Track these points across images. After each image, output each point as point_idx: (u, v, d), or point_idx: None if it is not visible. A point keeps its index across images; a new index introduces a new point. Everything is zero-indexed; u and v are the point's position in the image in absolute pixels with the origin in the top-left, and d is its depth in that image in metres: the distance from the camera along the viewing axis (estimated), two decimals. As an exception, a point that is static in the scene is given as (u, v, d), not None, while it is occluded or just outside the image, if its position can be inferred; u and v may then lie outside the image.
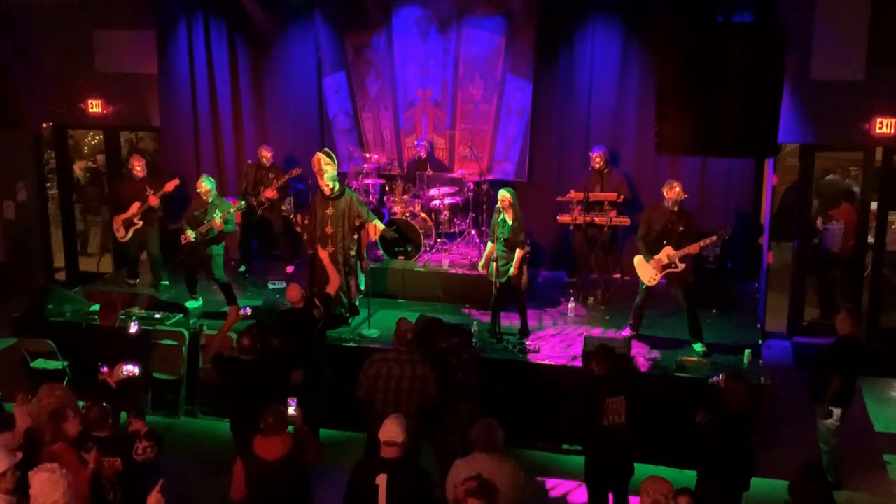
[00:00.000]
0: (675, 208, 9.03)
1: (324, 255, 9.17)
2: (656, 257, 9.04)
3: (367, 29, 12.05)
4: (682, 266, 8.99)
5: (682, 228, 9.00)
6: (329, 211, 9.76)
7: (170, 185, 10.98)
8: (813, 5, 10.37)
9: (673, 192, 9.02)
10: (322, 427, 8.35)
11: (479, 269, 9.83)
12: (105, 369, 7.73)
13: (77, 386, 7.95)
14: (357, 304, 10.18)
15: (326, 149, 10.19)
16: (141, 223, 11.06)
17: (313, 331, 8.22)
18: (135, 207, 11.02)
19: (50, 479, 5.10)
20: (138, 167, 11.13)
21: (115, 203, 11.48)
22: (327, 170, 9.66)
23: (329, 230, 9.75)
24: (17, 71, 10.75)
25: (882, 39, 10.22)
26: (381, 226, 10.21)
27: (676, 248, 8.96)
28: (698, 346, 9.20)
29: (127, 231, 11.14)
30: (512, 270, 9.33)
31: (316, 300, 8.38)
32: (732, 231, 9.35)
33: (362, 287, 10.20)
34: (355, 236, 9.92)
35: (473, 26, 11.76)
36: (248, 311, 7.80)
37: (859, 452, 8.71)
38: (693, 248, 8.97)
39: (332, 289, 8.82)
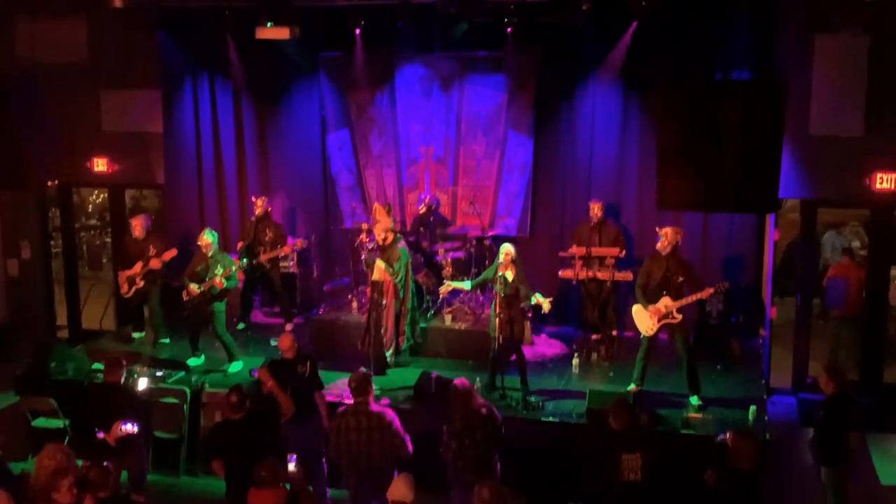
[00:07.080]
0: (669, 252, 9.02)
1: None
2: (654, 306, 9.03)
3: (371, 87, 12.21)
4: (679, 317, 8.99)
5: (681, 279, 9.00)
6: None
7: (167, 255, 11.12)
8: (811, 61, 10.44)
9: (672, 236, 9.03)
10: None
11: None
12: (101, 434, 7.67)
13: (78, 445, 7.87)
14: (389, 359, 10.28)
15: (389, 203, 10.84)
16: (143, 283, 11.15)
17: (294, 382, 8.11)
18: (138, 266, 11.11)
19: None
20: (138, 229, 11.25)
21: (122, 258, 11.52)
22: (380, 220, 10.13)
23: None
24: (24, 131, 10.88)
25: (880, 95, 10.29)
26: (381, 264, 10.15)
27: (675, 298, 8.96)
28: (694, 399, 9.16)
29: (130, 288, 11.20)
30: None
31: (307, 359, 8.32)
32: (730, 284, 9.32)
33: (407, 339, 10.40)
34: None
35: (475, 84, 11.91)
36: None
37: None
38: (690, 300, 8.97)
39: None
